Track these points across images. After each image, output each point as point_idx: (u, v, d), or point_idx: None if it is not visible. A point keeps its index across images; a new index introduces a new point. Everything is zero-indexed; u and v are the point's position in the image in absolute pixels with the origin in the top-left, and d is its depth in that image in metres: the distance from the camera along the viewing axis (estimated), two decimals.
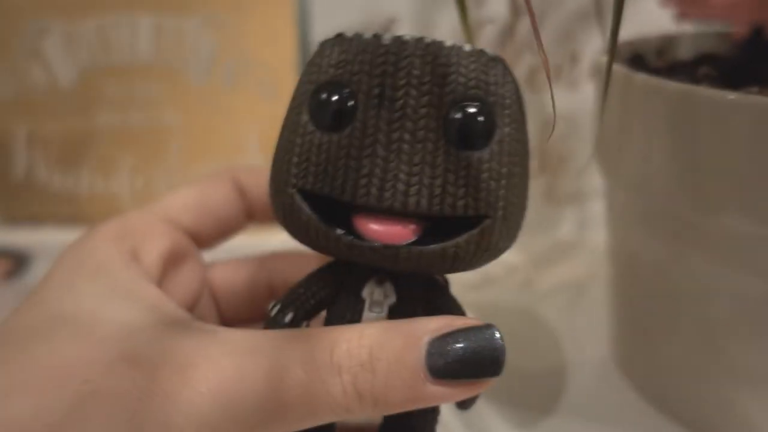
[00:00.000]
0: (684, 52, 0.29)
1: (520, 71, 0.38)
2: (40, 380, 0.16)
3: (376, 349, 0.16)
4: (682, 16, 0.29)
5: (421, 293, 0.19)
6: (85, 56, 0.43)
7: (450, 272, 0.18)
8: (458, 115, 0.16)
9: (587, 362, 0.30)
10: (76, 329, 0.17)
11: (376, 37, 0.17)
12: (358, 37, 0.17)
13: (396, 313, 0.18)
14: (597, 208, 0.40)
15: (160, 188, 0.44)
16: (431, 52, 0.16)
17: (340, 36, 0.18)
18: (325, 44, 0.18)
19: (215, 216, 0.23)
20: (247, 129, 0.43)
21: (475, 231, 0.17)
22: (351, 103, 0.17)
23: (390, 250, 0.16)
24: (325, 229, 0.17)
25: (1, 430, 0.15)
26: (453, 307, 0.19)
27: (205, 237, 0.23)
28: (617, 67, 0.23)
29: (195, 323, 0.19)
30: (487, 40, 0.38)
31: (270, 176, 0.19)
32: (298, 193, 0.17)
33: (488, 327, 0.17)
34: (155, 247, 0.21)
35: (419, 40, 0.17)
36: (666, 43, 0.29)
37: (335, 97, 0.17)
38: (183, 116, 0.43)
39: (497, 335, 0.17)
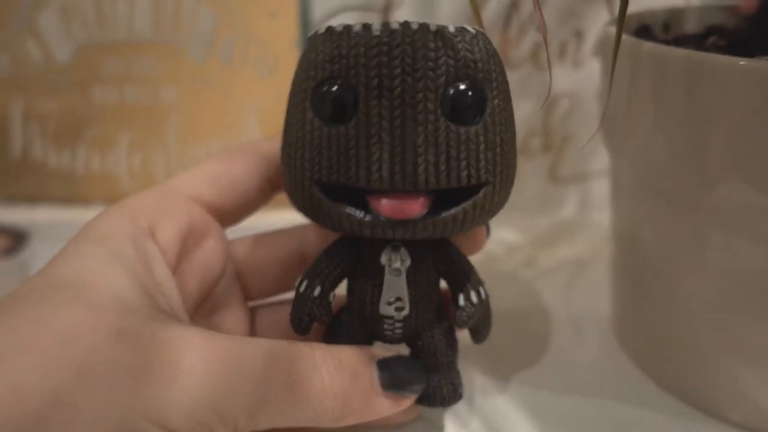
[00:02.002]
0: (691, 26, 0.29)
1: (524, 48, 0.38)
2: (44, 342, 0.15)
3: (344, 359, 0.19)
4: None
5: (431, 253, 0.21)
6: (81, 32, 0.42)
7: (459, 233, 0.20)
8: (452, 95, 0.18)
9: (588, 338, 0.30)
10: (75, 293, 0.17)
11: (366, 28, 0.18)
12: (348, 30, 0.18)
13: (412, 273, 0.20)
14: (600, 188, 0.39)
15: (158, 166, 0.43)
16: (420, 38, 0.18)
17: (329, 30, 0.19)
18: (316, 39, 0.19)
19: (239, 188, 0.23)
20: (246, 106, 0.42)
21: (479, 196, 0.19)
22: (352, 96, 0.18)
23: (407, 223, 0.18)
24: (347, 214, 0.19)
25: (7, 392, 0.15)
26: (458, 257, 0.21)
27: (229, 210, 0.23)
28: (625, 38, 0.23)
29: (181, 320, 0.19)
30: (491, 16, 0.37)
31: (284, 171, 0.20)
32: (315, 185, 0.19)
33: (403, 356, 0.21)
34: (173, 223, 0.21)
35: (406, 27, 0.18)
36: (673, 17, 0.29)
37: (336, 92, 0.18)
38: (181, 93, 0.42)
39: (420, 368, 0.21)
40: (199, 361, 0.17)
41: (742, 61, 0.19)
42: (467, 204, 0.19)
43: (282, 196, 0.24)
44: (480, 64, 0.18)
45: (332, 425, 0.19)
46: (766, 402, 0.23)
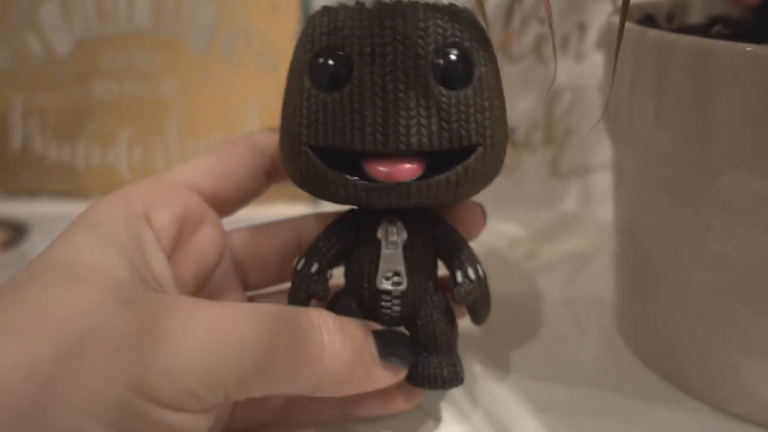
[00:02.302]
0: (694, 16, 0.29)
1: (526, 41, 0.37)
2: (32, 323, 0.15)
3: (346, 328, 0.19)
4: None
5: (427, 228, 0.21)
6: (81, 26, 0.42)
7: (455, 200, 0.20)
8: (442, 61, 0.19)
9: (590, 331, 0.30)
10: (66, 272, 0.17)
11: (359, 3, 0.19)
12: (343, 6, 0.19)
13: (408, 247, 0.21)
14: (602, 182, 0.39)
15: (158, 160, 0.43)
16: (410, 10, 0.19)
17: (326, 8, 0.20)
18: (313, 17, 0.20)
19: (235, 178, 0.23)
20: (247, 100, 0.42)
21: (471, 158, 0.19)
22: (347, 64, 0.19)
23: (401, 186, 0.19)
24: (342, 178, 0.19)
25: None
26: (454, 235, 0.22)
27: (226, 200, 0.23)
28: (629, 26, 0.23)
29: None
30: (493, 9, 0.37)
31: (281, 141, 0.21)
32: (311, 150, 0.19)
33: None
34: (169, 209, 0.21)
35: (398, 2, 0.19)
36: (677, 7, 0.29)
37: (332, 61, 0.19)
38: (182, 87, 0.42)
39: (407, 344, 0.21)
40: (190, 328, 0.17)
41: (749, 48, 0.19)
42: (459, 167, 0.19)
43: (282, 190, 0.24)
44: (466, 33, 0.19)
45: (330, 394, 0.19)
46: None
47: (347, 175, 0.19)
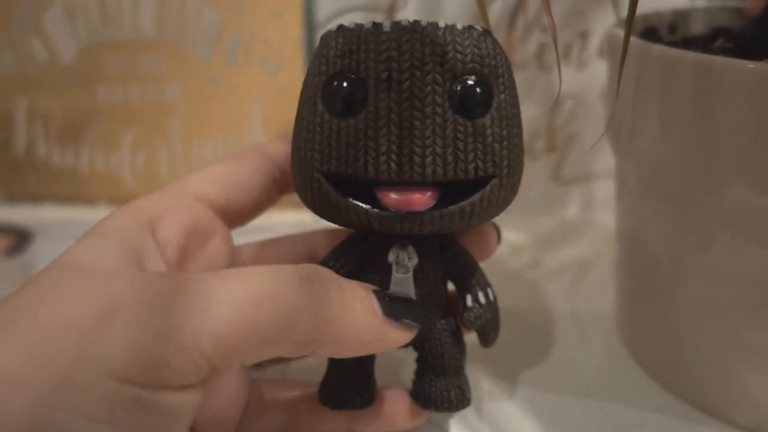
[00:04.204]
0: (697, 28, 0.29)
1: (529, 49, 0.38)
2: (37, 330, 0.15)
3: (357, 291, 0.19)
4: None
5: (438, 253, 0.21)
6: (86, 31, 0.42)
7: (467, 228, 0.20)
8: (460, 88, 0.18)
9: (592, 339, 0.30)
10: (80, 270, 0.17)
11: (377, 25, 0.19)
12: (359, 27, 0.19)
13: (418, 271, 0.21)
14: (604, 189, 0.39)
15: (162, 165, 0.43)
16: (428, 34, 0.18)
17: (341, 27, 0.19)
18: (328, 36, 0.19)
19: (246, 189, 0.23)
20: (251, 105, 0.42)
21: (486, 189, 0.19)
22: (361, 89, 0.18)
23: (415, 216, 0.19)
24: (354, 206, 0.19)
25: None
26: (466, 258, 0.21)
27: (236, 211, 0.23)
28: (633, 40, 0.23)
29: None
30: (496, 17, 0.37)
31: (292, 164, 0.20)
32: (323, 177, 0.19)
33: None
34: (177, 219, 0.21)
35: (416, 24, 0.18)
36: (679, 18, 0.29)
37: (347, 85, 0.18)
38: (185, 92, 0.42)
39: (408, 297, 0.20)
40: (237, 286, 0.16)
41: (751, 65, 0.19)
42: (475, 197, 0.19)
43: (289, 198, 0.24)
44: (486, 60, 0.19)
45: (345, 354, 0.19)
46: None
47: (360, 203, 0.19)
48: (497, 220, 0.24)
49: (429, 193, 0.19)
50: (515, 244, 0.38)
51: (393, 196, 0.18)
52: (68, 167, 0.43)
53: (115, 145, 0.43)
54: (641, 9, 0.28)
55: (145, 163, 0.43)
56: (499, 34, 0.38)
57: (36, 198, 0.44)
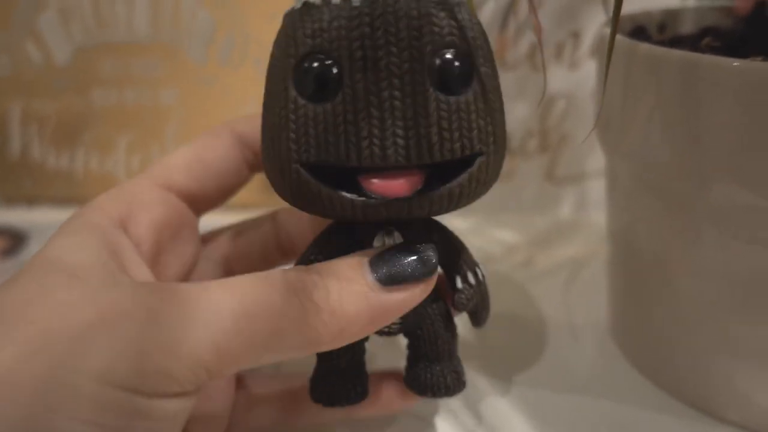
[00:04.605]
0: (686, 27, 0.29)
1: (521, 49, 0.38)
2: (23, 320, 0.15)
3: (324, 272, 0.18)
4: None
5: (425, 236, 0.20)
6: (81, 33, 0.42)
7: (455, 209, 0.19)
8: (440, 63, 0.17)
9: (585, 338, 0.30)
10: (56, 269, 0.17)
11: (346, 0, 0.17)
12: (327, 3, 0.17)
13: None
14: (597, 188, 0.40)
15: None
16: (402, 7, 0.17)
17: (306, 4, 0.18)
18: (293, 14, 0.18)
19: (215, 172, 0.22)
20: (245, 107, 0.42)
21: (473, 168, 0.18)
22: (336, 70, 0.17)
23: (402, 202, 0.18)
24: (338, 195, 0.18)
25: None
26: (452, 239, 0.21)
27: (206, 196, 0.22)
28: (620, 38, 0.23)
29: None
30: (488, 17, 0.38)
31: (266, 157, 0.19)
32: (302, 168, 0.18)
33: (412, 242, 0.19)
34: (146, 216, 0.20)
35: None
36: (668, 18, 0.29)
37: (320, 68, 0.17)
38: (180, 94, 0.43)
39: (424, 247, 0.19)
40: (194, 308, 0.16)
41: (736, 62, 0.20)
42: (462, 177, 0.18)
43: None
44: (465, 31, 0.18)
45: (350, 341, 0.18)
46: (762, 401, 0.23)
47: (343, 193, 0.18)
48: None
49: (415, 177, 0.17)
50: (509, 244, 0.38)
51: (377, 182, 0.17)
52: (63, 169, 0.43)
53: (110, 148, 0.43)
54: (631, 8, 0.28)
55: (140, 165, 0.43)
56: (492, 35, 0.38)
57: (31, 200, 0.44)
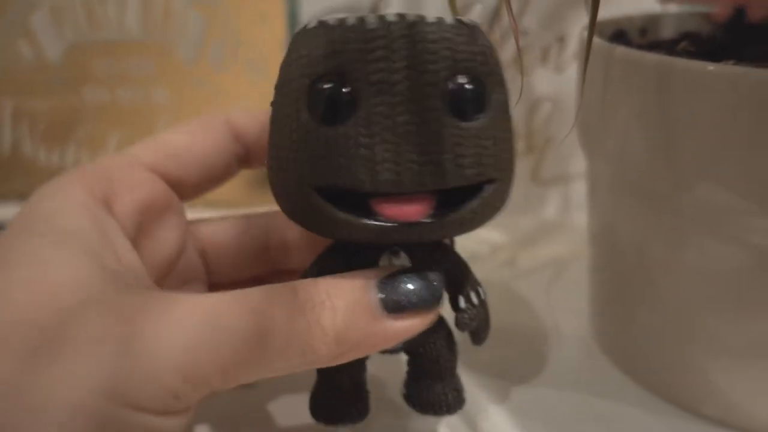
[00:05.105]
0: (666, 32, 0.30)
1: (506, 53, 0.38)
2: None
3: (332, 291, 0.17)
4: None
5: (431, 257, 0.20)
6: (72, 32, 0.43)
7: (463, 233, 0.19)
8: (454, 89, 0.17)
9: (567, 336, 0.30)
10: (29, 276, 0.16)
11: (362, 21, 0.17)
12: (342, 23, 0.17)
13: None
14: (582, 190, 0.40)
15: None
16: (419, 31, 0.17)
17: (323, 24, 0.17)
18: (306, 34, 0.18)
19: (203, 162, 0.21)
20: (236, 106, 0.43)
21: (485, 194, 0.18)
22: (351, 92, 0.17)
23: (413, 226, 0.17)
24: (351, 220, 0.17)
25: None
26: (456, 260, 0.20)
27: (191, 185, 0.22)
28: (599, 42, 0.24)
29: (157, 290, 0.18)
30: (477, 20, 0.38)
31: (273, 178, 0.19)
32: (313, 191, 0.17)
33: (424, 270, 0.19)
34: (132, 195, 0.19)
35: (403, 19, 0.17)
36: (649, 23, 0.30)
37: (335, 89, 0.17)
38: (171, 94, 0.43)
39: (432, 276, 0.19)
40: (166, 326, 0.15)
41: (711, 66, 0.20)
42: (474, 202, 0.18)
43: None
44: (480, 57, 0.17)
45: (347, 360, 0.18)
46: (737, 397, 0.24)
47: (357, 218, 0.17)
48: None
49: (427, 202, 0.17)
50: (494, 243, 0.39)
51: (390, 206, 0.17)
52: (54, 167, 0.44)
53: (101, 146, 0.43)
54: (613, 13, 0.28)
55: None
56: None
57: (22, 197, 0.43)
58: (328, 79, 0.17)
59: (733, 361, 0.23)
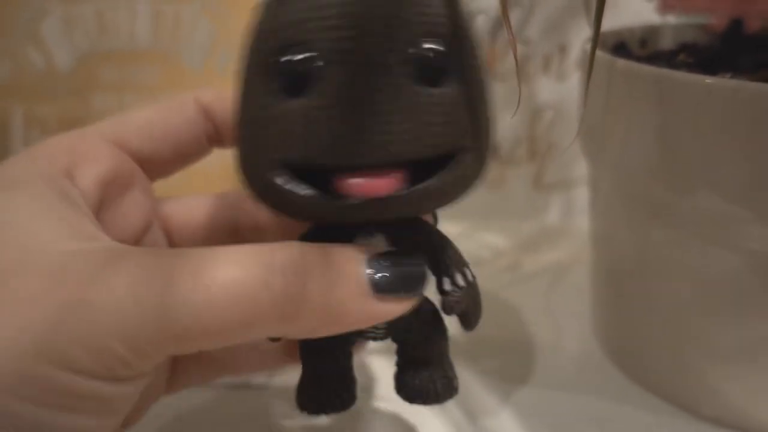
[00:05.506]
0: (666, 43, 0.30)
1: (510, 61, 0.39)
2: None
3: (327, 262, 0.17)
4: (665, 9, 0.30)
5: (410, 236, 0.19)
6: (82, 40, 0.43)
7: (438, 207, 0.18)
8: (419, 55, 0.16)
9: (569, 339, 0.31)
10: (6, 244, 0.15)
11: None
12: None
13: None
14: (583, 195, 0.41)
15: None
16: None
17: None
18: (269, 5, 0.17)
19: (173, 140, 0.21)
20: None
21: (454, 163, 0.17)
22: (318, 63, 0.16)
23: (382, 202, 0.16)
24: (314, 198, 0.17)
25: None
26: (438, 239, 0.19)
27: (160, 163, 0.21)
28: (601, 54, 0.24)
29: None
30: (478, 30, 0.39)
31: (241, 155, 0.18)
32: (277, 166, 0.17)
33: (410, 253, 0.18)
34: (93, 169, 0.19)
35: None
36: (649, 34, 0.30)
37: (301, 60, 0.16)
38: None
39: (414, 259, 0.18)
40: (113, 287, 0.15)
41: (707, 80, 0.21)
42: (445, 173, 0.17)
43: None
44: (448, 20, 0.16)
45: (326, 333, 0.17)
46: (734, 397, 0.24)
47: (317, 193, 0.16)
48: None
49: (394, 175, 0.16)
50: (497, 248, 0.39)
51: (355, 181, 0.16)
52: None
53: None
54: (614, 25, 0.29)
55: None
56: (483, 47, 0.39)
57: None
58: (289, 50, 0.16)
59: (730, 362, 0.24)
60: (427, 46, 0.16)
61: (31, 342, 0.14)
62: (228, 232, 0.22)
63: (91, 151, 0.19)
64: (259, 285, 0.15)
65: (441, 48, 0.16)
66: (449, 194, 0.17)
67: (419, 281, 0.18)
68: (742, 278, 0.23)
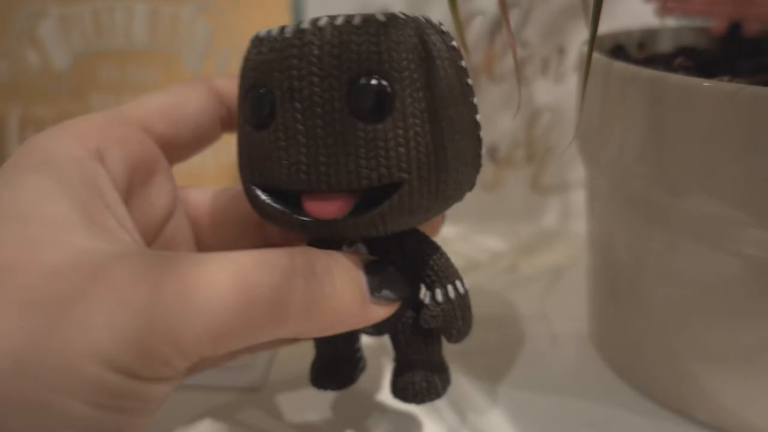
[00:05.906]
0: (664, 46, 0.30)
1: (508, 63, 0.39)
2: None
3: (333, 264, 0.18)
4: (664, 11, 0.30)
5: (397, 244, 0.20)
6: (79, 40, 0.43)
7: (390, 232, 0.19)
8: (357, 92, 0.17)
9: (565, 341, 0.31)
10: (19, 230, 0.15)
11: (282, 31, 0.18)
12: (268, 34, 0.18)
13: None
14: (580, 198, 0.41)
15: None
16: (326, 35, 0.18)
17: (256, 37, 0.19)
18: (252, 43, 0.19)
19: (191, 124, 0.22)
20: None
21: (394, 196, 0.18)
22: (270, 101, 0.18)
23: (331, 223, 0.18)
24: (282, 212, 0.19)
25: None
26: (426, 250, 0.20)
27: (179, 147, 0.22)
28: (598, 57, 0.24)
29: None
30: (477, 32, 0.39)
31: (238, 167, 0.20)
32: (253, 186, 0.19)
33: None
34: (123, 151, 0.19)
35: (315, 24, 0.18)
36: (647, 37, 0.30)
37: (258, 99, 0.18)
38: None
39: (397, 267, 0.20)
40: (158, 293, 0.15)
41: (706, 83, 0.21)
42: (384, 206, 0.18)
43: None
44: (384, 55, 0.17)
45: (320, 335, 0.19)
46: (729, 401, 0.24)
47: (285, 210, 0.19)
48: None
49: (343, 201, 0.18)
50: (495, 250, 0.39)
51: (310, 203, 0.18)
52: None
53: None
54: (612, 27, 0.29)
55: None
56: (480, 49, 0.39)
57: None
58: (253, 90, 0.19)
59: (726, 367, 0.24)
60: (363, 83, 0.17)
61: (98, 351, 0.14)
62: (253, 224, 0.23)
63: (120, 134, 0.19)
64: (284, 289, 0.16)
65: (378, 86, 0.17)
66: (392, 222, 0.18)
67: (402, 287, 0.19)
68: (739, 282, 0.23)
